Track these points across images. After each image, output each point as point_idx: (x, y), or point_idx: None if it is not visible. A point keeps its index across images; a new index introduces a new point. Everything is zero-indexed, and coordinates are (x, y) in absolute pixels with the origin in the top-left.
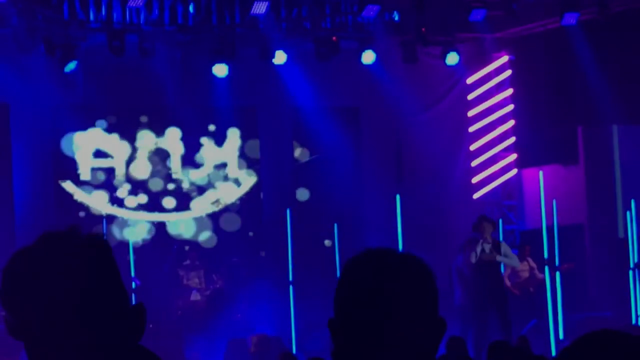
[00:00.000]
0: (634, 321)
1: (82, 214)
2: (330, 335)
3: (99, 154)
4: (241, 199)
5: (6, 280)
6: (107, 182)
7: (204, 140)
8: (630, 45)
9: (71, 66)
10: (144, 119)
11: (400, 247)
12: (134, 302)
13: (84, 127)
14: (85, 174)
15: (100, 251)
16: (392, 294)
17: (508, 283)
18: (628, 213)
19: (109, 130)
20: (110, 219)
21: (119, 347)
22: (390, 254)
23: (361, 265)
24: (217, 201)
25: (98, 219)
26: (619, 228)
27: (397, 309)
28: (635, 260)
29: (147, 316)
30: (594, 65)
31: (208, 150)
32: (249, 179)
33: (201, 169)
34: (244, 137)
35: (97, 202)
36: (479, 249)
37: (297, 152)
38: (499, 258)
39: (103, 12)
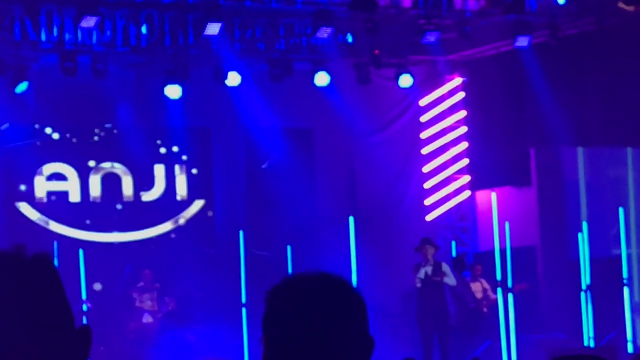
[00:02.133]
0: (586, 343)
1: (34, 235)
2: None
3: (53, 176)
4: (193, 220)
5: None
6: (61, 204)
7: (156, 162)
8: (582, 68)
9: (23, 87)
10: (96, 140)
11: (354, 268)
12: (85, 325)
13: (35, 149)
14: (40, 197)
15: (44, 272)
16: (315, 319)
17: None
18: (580, 235)
19: (61, 152)
20: (65, 240)
21: None
22: (310, 278)
23: (282, 294)
24: (170, 221)
25: (52, 240)
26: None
27: (321, 333)
28: (588, 282)
29: (99, 339)
30: (547, 88)
31: (160, 172)
32: (199, 201)
33: (153, 190)
34: (197, 159)
35: (52, 223)
36: (422, 274)
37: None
38: (446, 280)
39: (55, 33)
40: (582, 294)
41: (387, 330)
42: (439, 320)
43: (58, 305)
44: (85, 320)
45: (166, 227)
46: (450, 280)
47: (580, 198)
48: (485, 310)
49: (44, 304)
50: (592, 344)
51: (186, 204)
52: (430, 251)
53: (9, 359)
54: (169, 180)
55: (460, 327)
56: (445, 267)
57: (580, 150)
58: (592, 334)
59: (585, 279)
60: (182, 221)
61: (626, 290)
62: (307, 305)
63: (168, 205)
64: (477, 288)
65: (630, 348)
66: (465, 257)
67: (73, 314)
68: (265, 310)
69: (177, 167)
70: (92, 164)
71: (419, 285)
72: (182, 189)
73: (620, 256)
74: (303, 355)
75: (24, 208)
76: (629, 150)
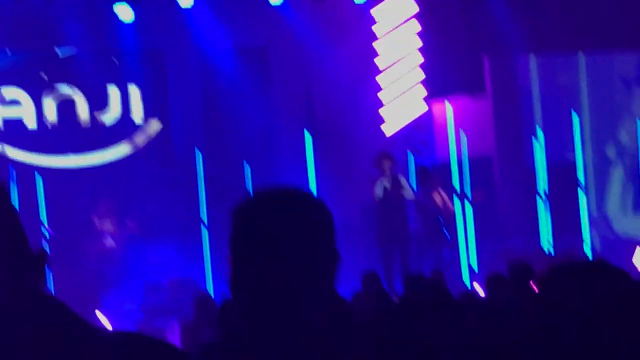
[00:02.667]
0: (544, 249)
1: None
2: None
3: (6, 102)
4: (150, 141)
5: None
6: (17, 129)
7: (110, 84)
8: None
9: None
10: (48, 63)
11: (313, 183)
12: (41, 250)
13: None
14: None
15: None
16: (282, 233)
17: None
18: (536, 141)
19: (13, 77)
20: (22, 166)
21: (20, 295)
22: (275, 194)
23: (247, 211)
24: (126, 143)
25: (8, 167)
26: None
27: (288, 247)
28: (544, 188)
29: (61, 265)
30: None
31: (114, 94)
32: (155, 121)
33: (108, 112)
34: (151, 79)
35: (8, 149)
36: (380, 188)
37: None
38: (404, 193)
39: None
40: (539, 201)
41: (346, 244)
42: (399, 234)
43: (11, 231)
44: (46, 246)
45: (123, 149)
46: (408, 193)
47: (534, 105)
48: (444, 220)
49: None
50: (551, 250)
51: (142, 125)
52: (387, 165)
53: None
54: (123, 101)
55: (424, 238)
56: (403, 180)
57: (533, 57)
58: (550, 240)
59: (542, 186)
60: (138, 142)
61: (582, 195)
62: (273, 221)
63: (124, 127)
64: (436, 199)
65: (587, 252)
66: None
67: (28, 240)
68: (232, 228)
69: (131, 88)
70: (45, 87)
71: (377, 199)
72: (137, 110)
73: (575, 161)
74: (271, 271)
75: None
76: (581, 56)
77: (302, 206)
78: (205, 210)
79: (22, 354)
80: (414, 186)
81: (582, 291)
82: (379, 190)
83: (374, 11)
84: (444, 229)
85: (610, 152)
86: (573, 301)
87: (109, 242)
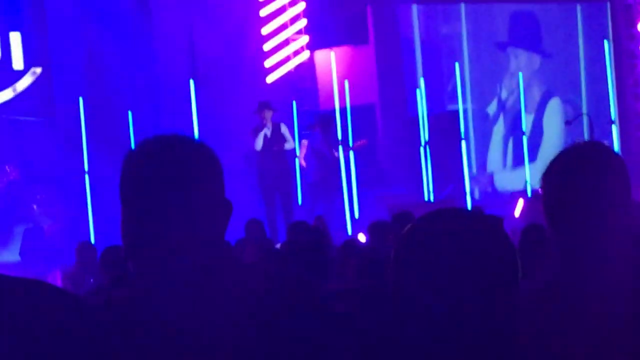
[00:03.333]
0: (426, 197)
1: None
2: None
3: None
4: (31, 88)
5: None
6: None
7: None
8: None
9: None
10: None
11: (196, 132)
12: None
13: None
14: None
15: None
16: (172, 179)
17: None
18: (418, 91)
19: None
20: None
21: None
22: (166, 141)
23: (138, 156)
24: (7, 90)
25: None
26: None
27: (178, 194)
28: (426, 137)
29: None
30: None
31: None
32: (36, 68)
33: None
34: (31, 26)
35: None
36: (260, 138)
37: None
38: (287, 145)
39: None
40: (421, 149)
41: (229, 193)
42: (281, 181)
43: None
44: None
45: (3, 95)
46: (289, 143)
47: (416, 55)
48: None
49: None
50: (432, 198)
51: (22, 72)
52: (268, 114)
53: None
54: (3, 48)
55: (318, 184)
56: (284, 128)
57: (415, 7)
58: (431, 188)
59: (424, 135)
60: (19, 89)
61: (463, 144)
62: (165, 166)
63: (3, 74)
64: (330, 146)
65: (468, 200)
66: (330, 115)
67: None
68: (122, 174)
69: (11, 35)
70: None
71: (258, 148)
72: (17, 57)
73: (456, 111)
74: (161, 218)
75: None
76: (462, 6)
77: (193, 151)
78: (86, 157)
79: None
80: (297, 135)
81: (448, 236)
82: (259, 140)
83: None
84: (337, 175)
85: (491, 106)
86: (438, 246)
87: None
